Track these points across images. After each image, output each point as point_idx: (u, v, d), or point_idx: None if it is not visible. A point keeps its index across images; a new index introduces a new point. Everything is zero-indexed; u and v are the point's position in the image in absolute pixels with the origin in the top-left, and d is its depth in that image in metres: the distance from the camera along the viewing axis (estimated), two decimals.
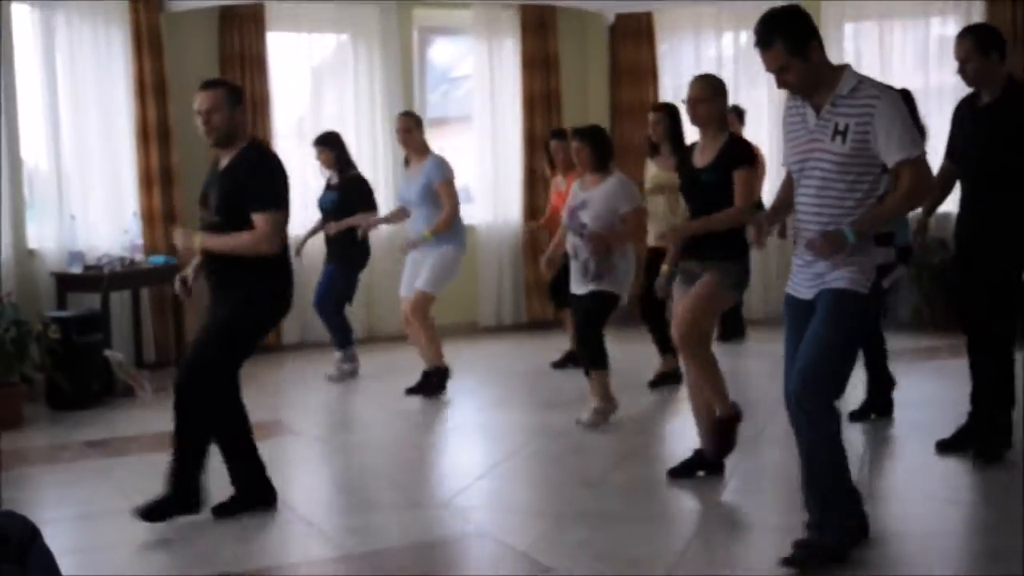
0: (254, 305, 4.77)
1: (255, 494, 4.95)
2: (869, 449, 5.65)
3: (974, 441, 5.43)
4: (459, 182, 7.64)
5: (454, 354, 7.95)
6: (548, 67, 10.29)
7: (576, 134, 6.56)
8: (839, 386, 4.04)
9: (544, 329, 10.01)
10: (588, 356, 6.41)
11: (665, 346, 7.31)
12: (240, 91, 4.91)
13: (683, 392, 7.15)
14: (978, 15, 9.39)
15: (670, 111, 7.29)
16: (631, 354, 7.71)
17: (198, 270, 4.93)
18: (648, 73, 10.46)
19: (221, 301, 4.77)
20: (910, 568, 4.07)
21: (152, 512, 4.67)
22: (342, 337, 8.08)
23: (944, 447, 5.48)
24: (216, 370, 4.77)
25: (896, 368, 6.33)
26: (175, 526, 4.72)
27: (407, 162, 7.56)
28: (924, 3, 9.56)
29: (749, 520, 4.71)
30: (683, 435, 6.35)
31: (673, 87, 10.54)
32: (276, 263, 4.78)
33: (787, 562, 3.97)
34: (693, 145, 5.35)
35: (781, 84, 3.97)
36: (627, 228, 6.30)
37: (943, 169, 5.51)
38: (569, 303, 6.82)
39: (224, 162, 4.81)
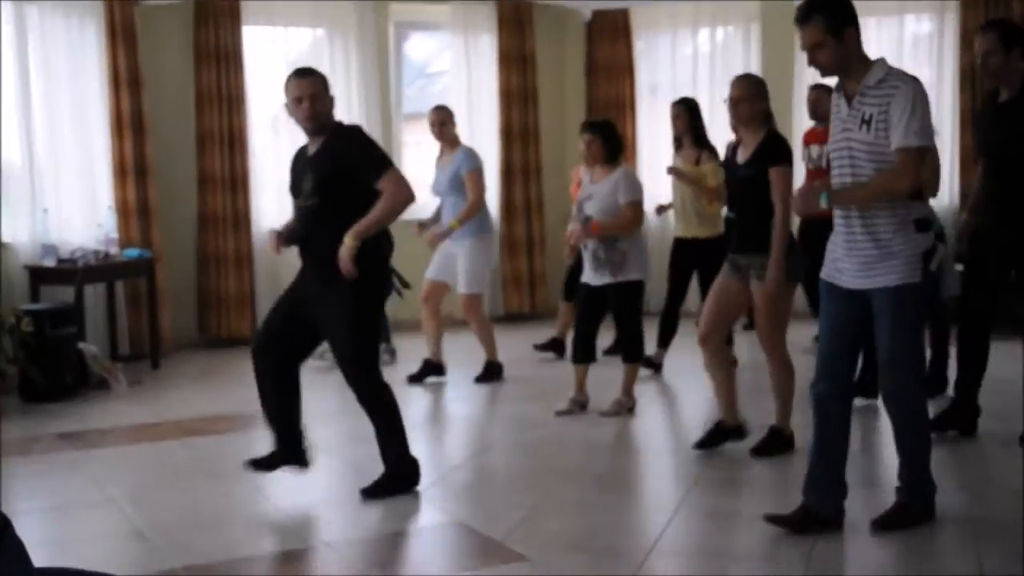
0: (369, 281, 4.85)
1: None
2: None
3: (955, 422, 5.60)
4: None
5: (421, 348, 7.95)
6: (525, 63, 10.31)
7: (588, 128, 6.67)
8: (920, 371, 4.29)
9: (521, 321, 10.04)
10: (629, 349, 6.54)
11: (664, 339, 7.61)
12: (327, 79, 4.99)
13: (658, 384, 7.23)
14: (952, 14, 9.48)
15: (689, 105, 7.57)
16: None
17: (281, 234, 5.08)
18: (624, 70, 10.51)
19: (333, 286, 4.80)
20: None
21: (373, 492, 4.90)
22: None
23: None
24: (367, 353, 4.93)
25: None
26: (150, 520, 4.72)
27: (441, 154, 7.60)
28: (899, 2, 9.65)
29: (723, 509, 4.73)
30: (656, 427, 6.40)
31: (649, 84, 10.61)
32: (373, 239, 4.83)
33: (877, 525, 4.26)
34: (738, 142, 5.50)
35: (812, 62, 4.10)
36: (620, 220, 6.39)
37: (983, 165, 5.64)
38: (575, 295, 7.10)
39: (314, 147, 4.91)
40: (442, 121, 7.49)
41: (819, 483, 4.30)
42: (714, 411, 5.83)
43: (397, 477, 4.98)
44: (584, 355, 6.55)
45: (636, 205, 6.45)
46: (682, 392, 7.21)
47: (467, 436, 6.56)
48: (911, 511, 4.32)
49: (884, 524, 4.27)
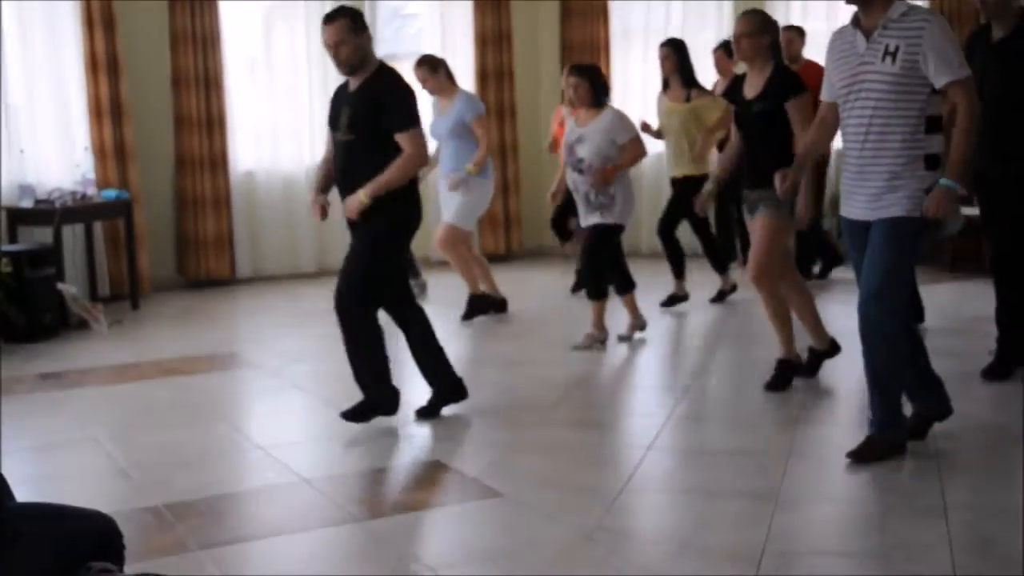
0: (395, 227, 5.03)
1: (450, 390, 5.34)
2: None
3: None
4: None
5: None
6: (499, 5, 10.29)
7: (574, 70, 6.77)
8: (903, 306, 4.38)
9: (496, 263, 10.05)
10: (591, 286, 6.70)
11: (679, 270, 7.78)
12: (361, 16, 5.04)
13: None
14: None
15: (676, 45, 7.68)
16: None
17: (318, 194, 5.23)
18: (599, 12, 10.50)
19: (364, 228, 4.98)
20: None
21: (356, 414, 5.04)
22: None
23: (988, 374, 5.63)
24: (370, 287, 5.02)
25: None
26: (131, 458, 4.80)
27: (438, 99, 7.59)
28: None
29: (694, 447, 4.84)
30: (633, 366, 6.51)
31: (623, 28, 10.59)
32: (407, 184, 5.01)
33: (853, 455, 4.37)
34: (742, 76, 5.58)
35: None
36: (628, 156, 6.56)
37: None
38: (571, 236, 7.43)
39: (355, 85, 5.01)
40: (423, 78, 7.46)
41: (880, 414, 4.41)
42: (690, 354, 5.94)
43: (376, 404, 5.11)
44: (597, 292, 6.68)
45: (638, 140, 6.63)
46: (655, 330, 7.30)
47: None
48: (880, 445, 4.40)
49: (857, 456, 4.38)
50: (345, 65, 4.97)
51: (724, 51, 8.12)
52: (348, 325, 5.08)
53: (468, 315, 7.61)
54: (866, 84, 4.19)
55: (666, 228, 7.78)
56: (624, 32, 10.64)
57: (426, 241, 7.78)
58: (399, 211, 5.03)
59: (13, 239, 7.82)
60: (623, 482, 4.32)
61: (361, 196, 4.89)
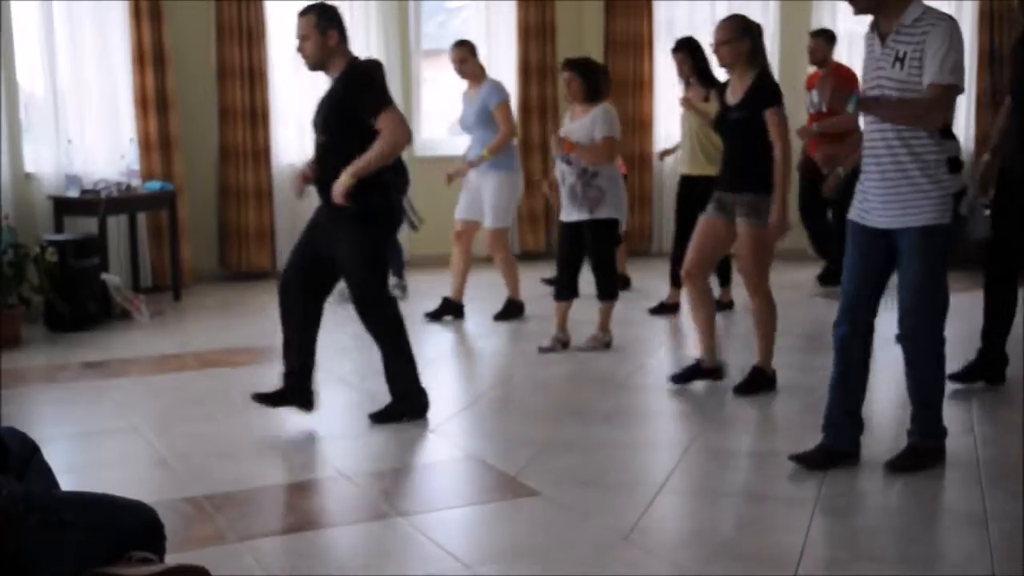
0: (372, 221, 4.99)
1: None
2: None
3: (982, 372, 5.64)
4: (456, 112, 7.71)
5: (437, 285, 8.05)
6: (544, 0, 10.27)
7: (566, 65, 6.67)
8: (941, 314, 4.28)
9: (536, 259, 10.09)
10: (602, 288, 6.65)
11: (676, 279, 7.59)
12: (332, 12, 5.00)
13: (671, 323, 7.30)
14: None
15: (690, 47, 7.53)
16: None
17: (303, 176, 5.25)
18: (643, 5, 10.46)
19: (342, 220, 4.95)
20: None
21: (381, 417, 5.13)
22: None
23: (954, 378, 5.53)
24: (375, 284, 5.11)
25: None
26: (172, 448, 4.85)
27: (467, 88, 7.60)
28: None
29: (732, 448, 4.82)
30: (669, 365, 6.48)
31: (667, 21, 10.55)
32: (379, 173, 4.95)
33: (890, 466, 4.35)
34: (727, 83, 5.53)
35: None
36: (595, 149, 6.44)
37: (1007, 107, 5.61)
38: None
39: (327, 85, 5.04)
40: (461, 58, 7.48)
41: (837, 420, 4.42)
42: (727, 356, 5.92)
43: (405, 405, 5.16)
44: (566, 292, 6.64)
45: (611, 141, 6.50)
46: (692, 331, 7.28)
47: (482, 372, 6.66)
48: (922, 453, 4.39)
49: (896, 466, 4.36)
50: (308, 60, 4.97)
51: (824, 39, 8.20)
52: (376, 326, 5.13)
53: (502, 316, 7.62)
54: (881, 91, 4.13)
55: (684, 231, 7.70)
56: (668, 27, 10.58)
57: (444, 239, 7.75)
58: (379, 197, 4.98)
59: (59, 229, 7.90)
60: (660, 483, 4.31)
61: (343, 178, 4.84)
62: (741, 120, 5.31)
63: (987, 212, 5.60)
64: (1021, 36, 5.50)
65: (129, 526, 2.95)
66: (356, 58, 5.09)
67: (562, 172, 6.54)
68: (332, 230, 5.01)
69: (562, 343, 6.63)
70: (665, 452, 4.77)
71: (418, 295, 8.25)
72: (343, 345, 6.65)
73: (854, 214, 4.32)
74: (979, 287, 5.65)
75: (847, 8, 4.26)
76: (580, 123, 6.51)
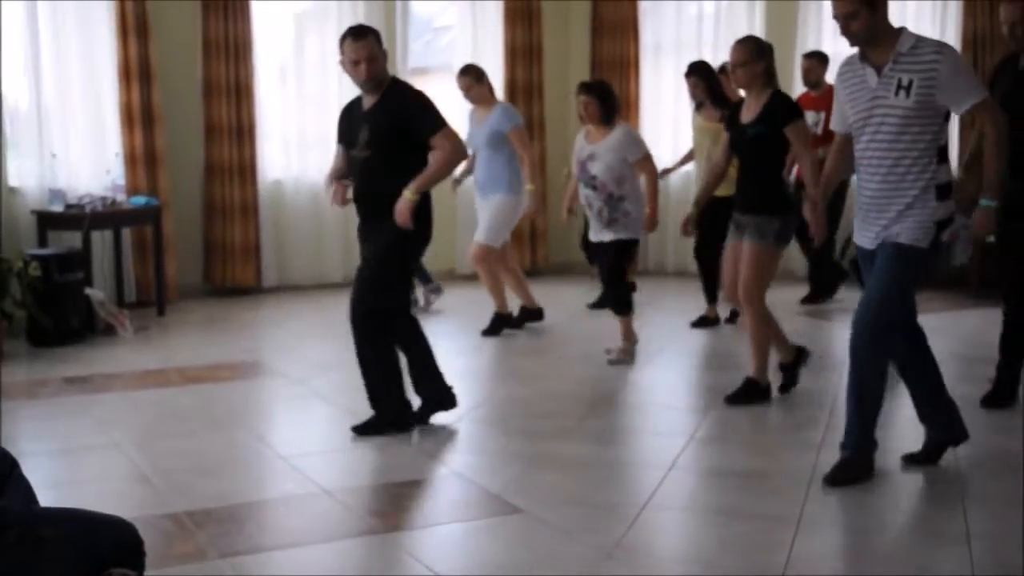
0: (404, 238, 5.04)
1: (443, 399, 5.43)
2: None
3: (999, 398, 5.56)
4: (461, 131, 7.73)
5: (446, 300, 8.05)
6: (530, 19, 10.33)
7: (583, 88, 6.75)
8: (891, 334, 4.34)
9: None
10: (614, 302, 6.79)
11: (711, 294, 7.74)
12: (380, 34, 5.09)
13: (659, 342, 7.30)
14: None
15: (703, 71, 7.65)
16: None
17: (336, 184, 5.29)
18: (629, 28, 10.51)
19: (380, 233, 5.04)
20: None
21: (367, 428, 5.14)
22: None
23: (986, 402, 5.53)
24: (383, 297, 5.13)
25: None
26: (154, 464, 4.82)
27: (474, 109, 7.66)
28: None
29: (716, 467, 4.81)
30: (656, 384, 6.48)
31: (653, 44, 10.62)
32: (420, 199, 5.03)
33: (828, 480, 4.37)
34: (740, 102, 5.64)
35: (845, 31, 4.17)
36: (646, 176, 6.63)
37: (980, 126, 5.61)
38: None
39: (369, 102, 5.05)
40: (467, 86, 7.54)
41: (855, 435, 4.43)
42: (715, 375, 5.93)
43: (390, 418, 5.19)
44: (626, 306, 6.75)
45: (649, 157, 6.66)
46: (681, 350, 7.28)
47: (468, 388, 6.63)
48: (855, 466, 4.42)
49: (832, 480, 4.38)
50: (373, 80, 5.00)
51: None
52: (360, 337, 5.15)
53: (489, 331, 7.62)
54: (882, 118, 4.20)
55: (704, 249, 7.73)
56: (655, 48, 10.65)
57: (451, 254, 7.77)
58: (421, 216, 5.06)
59: (43, 243, 7.87)
60: (644, 501, 4.30)
61: (407, 195, 4.92)
62: (757, 136, 5.42)
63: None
64: (1009, 56, 5.52)
65: (109, 542, 2.92)
66: (396, 77, 5.20)
67: (588, 197, 6.62)
68: (369, 239, 5.11)
69: (630, 353, 6.76)
70: (650, 470, 4.75)
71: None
72: (323, 362, 6.63)
73: (857, 239, 4.45)
74: (960, 307, 5.68)
75: (834, 29, 4.30)
76: (604, 145, 6.55)
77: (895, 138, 4.19)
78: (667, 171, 8.80)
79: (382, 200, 4.98)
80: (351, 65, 5.01)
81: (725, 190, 7.50)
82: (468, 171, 7.78)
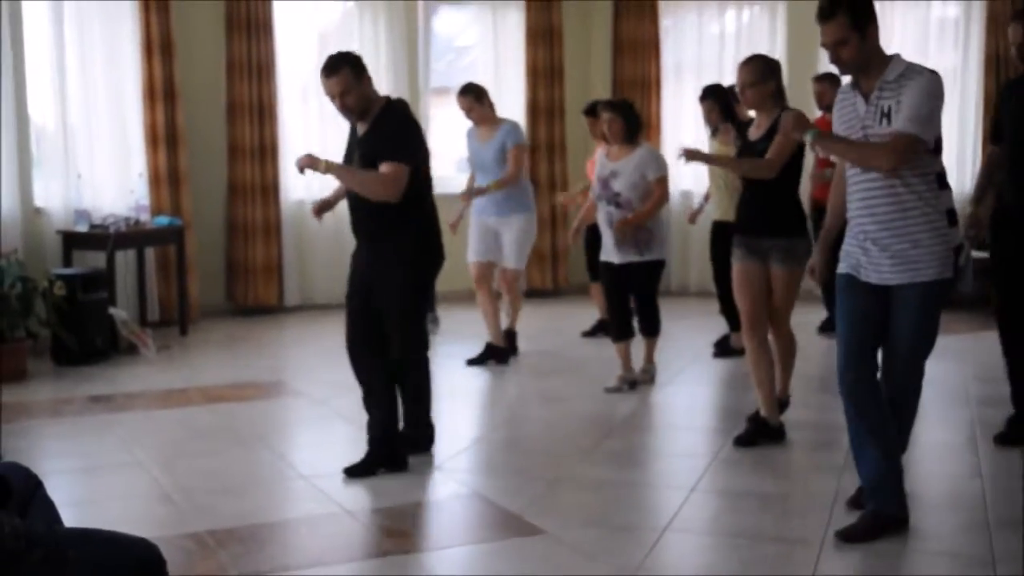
0: (410, 263, 4.99)
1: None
2: None
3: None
4: (463, 152, 7.73)
5: (454, 320, 8.06)
6: (552, 39, 10.35)
7: (608, 107, 6.72)
8: (928, 355, 4.20)
9: (543, 298, 10.12)
10: (650, 325, 6.75)
11: (734, 322, 7.35)
12: (359, 61, 4.95)
13: (680, 363, 7.29)
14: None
15: (717, 95, 7.54)
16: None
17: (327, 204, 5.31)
18: (651, 48, 10.53)
19: (385, 263, 4.96)
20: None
21: (357, 470, 4.95)
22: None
23: (1002, 440, 5.34)
24: (421, 331, 5.16)
25: None
26: (176, 483, 4.84)
27: (477, 128, 7.54)
28: None
29: (738, 490, 4.80)
30: (675, 405, 6.47)
31: (675, 63, 10.63)
32: (418, 218, 4.98)
33: (843, 536, 4.08)
34: (749, 122, 5.56)
35: (835, 60, 4.00)
36: (654, 196, 6.52)
37: (991, 153, 5.53)
38: (599, 276, 7.05)
39: (362, 128, 4.98)
40: (468, 107, 7.42)
41: (883, 484, 4.15)
42: (736, 396, 5.90)
43: (386, 461, 5.07)
44: (625, 332, 6.67)
45: (664, 180, 6.58)
46: (702, 371, 7.27)
47: (487, 410, 6.65)
48: (886, 518, 4.15)
49: (848, 536, 4.10)
50: (352, 113, 4.92)
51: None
52: (405, 376, 5.11)
53: (489, 359, 7.55)
54: None
55: (725, 277, 7.62)
56: (676, 68, 10.66)
57: (453, 276, 7.71)
58: (421, 259, 5.04)
59: (68, 263, 7.94)
60: (665, 523, 4.30)
61: (322, 162, 4.85)
62: (764, 152, 5.25)
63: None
64: (1019, 77, 5.47)
65: (131, 563, 2.93)
66: (391, 99, 5.08)
67: (609, 215, 6.54)
68: (374, 269, 4.99)
69: (629, 382, 6.64)
70: (671, 491, 4.74)
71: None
72: (345, 382, 6.64)
73: (846, 267, 4.17)
74: (982, 329, 5.62)
75: None
76: (625, 164, 6.51)
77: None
78: (696, 213, 8.61)
79: (378, 225, 4.91)
80: (329, 99, 4.94)
81: (731, 214, 7.44)
82: (469, 191, 7.61)
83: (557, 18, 10.36)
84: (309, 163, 4.86)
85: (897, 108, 3.91)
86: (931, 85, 3.91)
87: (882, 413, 4.13)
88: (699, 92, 7.71)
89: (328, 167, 4.87)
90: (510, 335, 7.68)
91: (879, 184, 4.01)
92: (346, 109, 4.90)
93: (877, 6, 4.09)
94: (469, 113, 7.46)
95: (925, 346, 4.15)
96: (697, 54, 10.57)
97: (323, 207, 5.34)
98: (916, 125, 3.87)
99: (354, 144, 5.05)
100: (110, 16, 8.48)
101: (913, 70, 3.96)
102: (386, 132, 4.89)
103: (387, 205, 4.84)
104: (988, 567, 3.81)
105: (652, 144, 10.13)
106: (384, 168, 4.81)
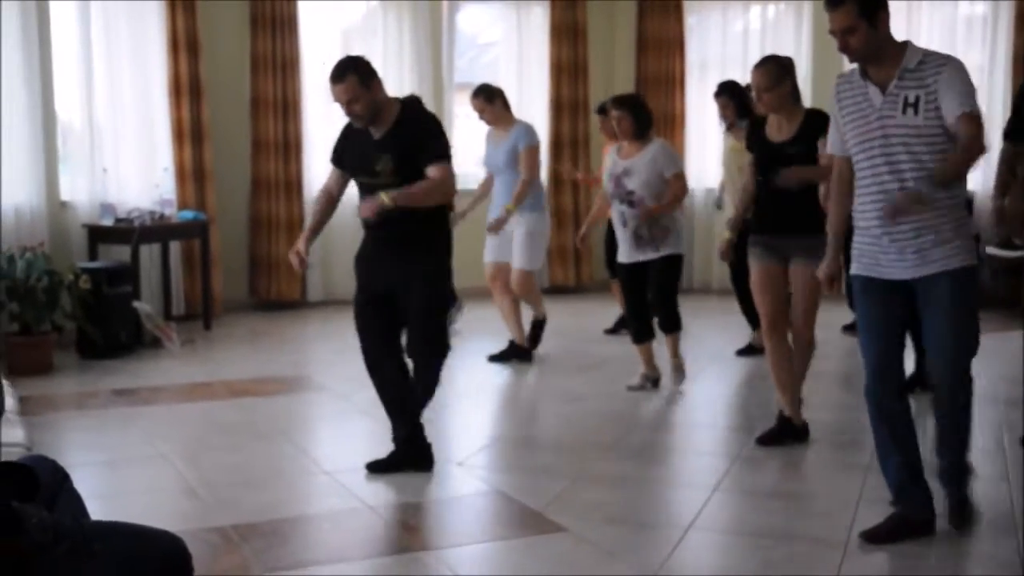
0: (443, 256, 5.05)
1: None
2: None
3: None
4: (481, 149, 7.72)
5: (476, 318, 8.06)
6: (576, 36, 10.34)
7: (616, 103, 6.58)
8: (974, 355, 4.08)
9: (566, 294, 10.11)
10: (669, 321, 6.57)
11: (755, 321, 7.34)
12: (368, 65, 4.89)
13: (702, 361, 7.27)
14: None
15: (733, 91, 7.49)
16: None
17: (309, 241, 5.09)
18: (675, 45, 10.50)
19: (412, 263, 4.92)
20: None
21: (382, 465, 4.96)
22: None
23: None
24: (440, 332, 5.10)
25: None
26: (200, 477, 4.86)
27: (492, 130, 7.51)
28: None
29: (764, 488, 4.79)
30: (700, 402, 6.45)
31: (699, 60, 10.59)
32: (444, 215, 5.04)
33: (868, 537, 4.06)
34: (762, 121, 5.39)
35: (843, 47, 3.91)
36: (672, 192, 6.41)
37: (1005, 151, 5.46)
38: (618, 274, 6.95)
39: (380, 131, 4.88)
40: (480, 108, 7.38)
41: (907, 488, 4.13)
42: (759, 395, 5.88)
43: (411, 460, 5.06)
44: (645, 333, 6.57)
45: (681, 176, 6.49)
46: (725, 370, 7.26)
47: (509, 407, 6.66)
48: (912, 521, 4.12)
49: (872, 537, 4.09)
50: (362, 119, 4.86)
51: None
52: (425, 374, 5.07)
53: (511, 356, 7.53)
54: (892, 139, 3.90)
55: (742, 276, 7.58)
56: (700, 65, 10.63)
57: (477, 274, 7.69)
58: (446, 238, 5.06)
59: (93, 256, 7.98)
60: (688, 521, 4.29)
61: (383, 196, 4.74)
62: (797, 155, 5.16)
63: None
64: None
65: (157, 556, 2.95)
66: (404, 100, 5.03)
67: (623, 214, 6.43)
68: (399, 270, 4.94)
69: (652, 380, 6.58)
70: (694, 490, 4.73)
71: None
72: (367, 378, 6.66)
73: (862, 269, 4.06)
74: (1010, 328, 5.58)
75: None
76: (638, 161, 6.40)
77: (912, 158, 3.87)
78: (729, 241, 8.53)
79: (409, 227, 4.85)
80: (337, 104, 4.90)
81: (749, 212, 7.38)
82: (480, 195, 7.64)
83: (582, 15, 10.35)
84: (377, 209, 4.77)
85: (932, 99, 3.81)
86: (963, 69, 3.86)
87: (909, 426, 4.09)
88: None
89: (394, 200, 4.76)
90: (538, 324, 7.61)
91: (896, 179, 3.90)
92: (354, 116, 4.86)
93: (904, 5, 4.03)
94: (481, 114, 7.41)
95: (966, 342, 4.00)
96: (721, 52, 10.54)
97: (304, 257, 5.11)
98: (972, 102, 3.80)
99: (368, 146, 4.92)
100: (137, 15, 8.52)
101: (933, 58, 3.88)
102: (419, 134, 4.85)
103: (424, 209, 4.83)
104: (1015, 568, 3.78)
105: (676, 142, 10.17)
106: (435, 172, 4.79)
